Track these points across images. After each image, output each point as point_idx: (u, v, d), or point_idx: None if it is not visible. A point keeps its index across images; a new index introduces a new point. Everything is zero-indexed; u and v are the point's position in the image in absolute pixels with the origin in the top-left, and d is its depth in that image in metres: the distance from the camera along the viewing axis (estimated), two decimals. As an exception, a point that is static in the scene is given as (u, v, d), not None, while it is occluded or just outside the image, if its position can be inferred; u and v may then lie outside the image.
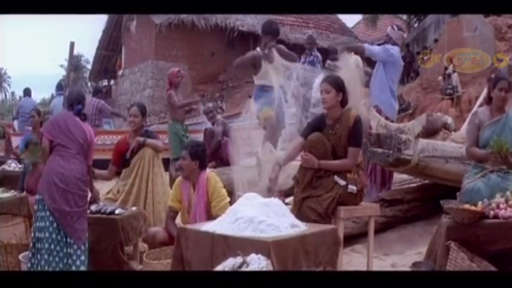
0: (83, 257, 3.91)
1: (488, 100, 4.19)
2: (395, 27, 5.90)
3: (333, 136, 3.97)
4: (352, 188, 3.85)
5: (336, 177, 3.86)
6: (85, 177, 4.08)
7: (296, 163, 4.22)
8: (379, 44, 6.29)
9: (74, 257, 3.88)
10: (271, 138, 5.46)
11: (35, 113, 7.30)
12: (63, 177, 3.91)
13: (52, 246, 3.85)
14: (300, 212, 3.74)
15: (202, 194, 4.20)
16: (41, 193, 3.96)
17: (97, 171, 4.91)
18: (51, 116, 6.27)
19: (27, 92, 11.45)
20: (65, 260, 3.87)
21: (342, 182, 3.85)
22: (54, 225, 3.87)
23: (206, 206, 4.18)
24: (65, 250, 3.87)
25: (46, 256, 3.85)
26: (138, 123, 5.20)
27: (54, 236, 3.86)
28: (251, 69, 5.74)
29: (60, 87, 10.42)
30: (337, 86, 4.01)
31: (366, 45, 5.88)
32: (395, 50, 5.69)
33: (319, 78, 6.16)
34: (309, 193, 3.83)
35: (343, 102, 4.04)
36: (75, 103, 4.22)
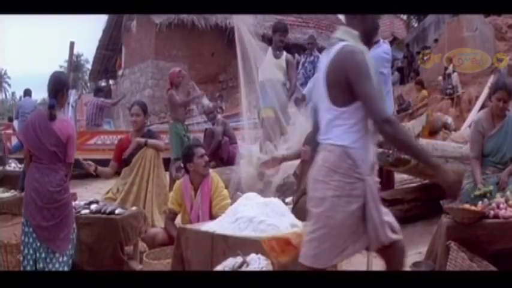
0: (67, 267, 3.73)
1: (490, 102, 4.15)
2: None
3: None
4: None
5: None
6: (62, 185, 3.71)
7: (295, 162, 4.23)
8: None
9: (60, 269, 3.71)
10: (268, 138, 5.44)
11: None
12: (38, 193, 3.64)
13: (40, 265, 3.66)
14: (297, 208, 3.75)
15: (207, 192, 4.21)
16: (24, 208, 3.74)
17: (100, 168, 4.90)
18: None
19: (27, 93, 11.48)
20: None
21: None
22: (37, 242, 3.66)
23: (210, 205, 4.19)
24: (50, 266, 3.68)
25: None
26: (140, 123, 5.16)
27: (38, 254, 3.66)
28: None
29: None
30: None
31: None
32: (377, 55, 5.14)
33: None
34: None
35: None
36: (51, 95, 3.70)
